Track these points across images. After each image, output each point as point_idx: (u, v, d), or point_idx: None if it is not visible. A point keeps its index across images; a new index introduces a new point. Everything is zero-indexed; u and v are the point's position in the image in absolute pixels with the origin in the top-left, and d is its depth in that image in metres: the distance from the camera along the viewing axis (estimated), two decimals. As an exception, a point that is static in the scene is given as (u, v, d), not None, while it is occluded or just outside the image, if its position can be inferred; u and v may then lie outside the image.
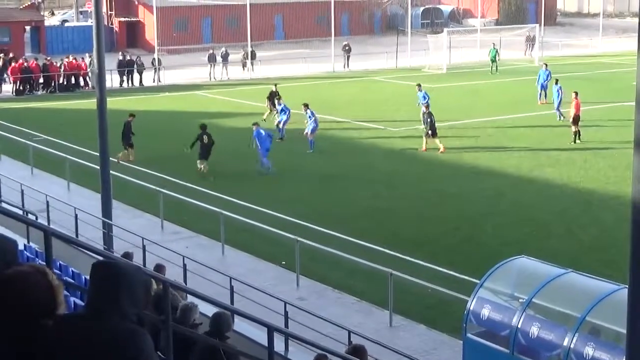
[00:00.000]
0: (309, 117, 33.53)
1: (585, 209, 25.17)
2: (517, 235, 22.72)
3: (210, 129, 31.09)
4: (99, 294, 4.23)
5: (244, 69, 56.89)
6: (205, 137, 29.95)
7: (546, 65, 45.08)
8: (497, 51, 56.51)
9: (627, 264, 9.38)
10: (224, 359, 9.11)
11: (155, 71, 54.10)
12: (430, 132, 32.49)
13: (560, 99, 37.90)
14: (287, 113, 35.10)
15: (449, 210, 25.13)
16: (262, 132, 30.35)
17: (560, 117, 37.73)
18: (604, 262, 20.13)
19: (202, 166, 29.76)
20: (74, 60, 51.79)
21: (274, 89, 39.43)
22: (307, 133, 33.44)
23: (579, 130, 33.47)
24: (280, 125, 35.11)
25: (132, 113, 32.88)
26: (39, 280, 4.21)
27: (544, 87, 43.26)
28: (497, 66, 55.72)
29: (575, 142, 33.25)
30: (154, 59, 54.89)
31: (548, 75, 43.00)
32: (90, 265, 4.34)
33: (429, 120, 32.58)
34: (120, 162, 30.48)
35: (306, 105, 33.98)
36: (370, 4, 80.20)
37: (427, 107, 33.83)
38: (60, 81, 50.82)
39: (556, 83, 38.85)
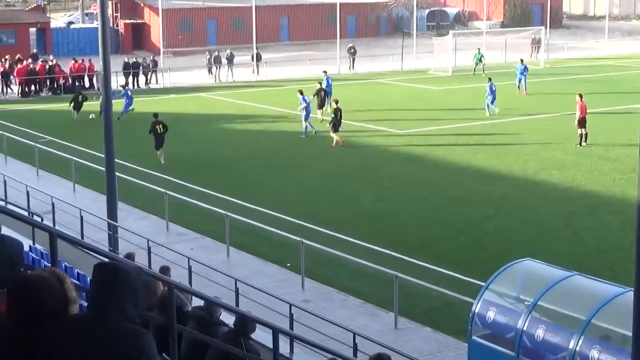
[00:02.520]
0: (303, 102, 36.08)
1: (590, 211, 25.13)
2: (522, 238, 22.69)
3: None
4: (101, 295, 4.23)
5: (209, 74, 56.63)
6: (159, 127, 31.36)
7: (522, 60, 49.16)
8: (482, 55, 56.70)
9: (632, 267, 9.36)
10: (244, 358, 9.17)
11: (151, 73, 53.91)
12: (333, 126, 33.95)
13: (494, 97, 40.70)
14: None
15: (454, 212, 25.09)
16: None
17: (488, 112, 40.54)
18: (610, 265, 20.09)
19: (161, 157, 31.23)
20: (81, 61, 51.89)
21: (320, 86, 40.61)
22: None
23: (586, 133, 33.41)
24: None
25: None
26: (54, 288, 4.20)
27: (520, 80, 47.61)
28: (484, 68, 55.42)
29: (581, 144, 33.18)
30: (151, 60, 54.82)
31: (524, 69, 47.49)
32: (93, 267, 4.35)
33: (337, 114, 34.16)
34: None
35: (301, 92, 36.59)
36: (376, 6, 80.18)
37: (337, 102, 35.14)
38: (66, 83, 50.91)
39: (489, 80, 41.55)
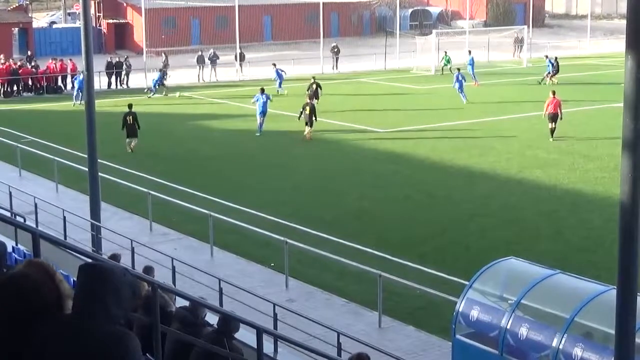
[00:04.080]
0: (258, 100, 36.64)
1: (573, 210, 25.23)
2: (505, 237, 22.75)
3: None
4: (86, 296, 4.21)
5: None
6: (129, 118, 33.10)
7: (470, 52, 53.16)
8: (449, 58, 55.94)
9: (615, 265, 9.41)
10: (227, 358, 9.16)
11: (124, 74, 53.39)
12: (308, 120, 35.09)
13: (460, 85, 44.49)
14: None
15: (438, 212, 25.15)
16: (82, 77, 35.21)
17: (464, 99, 43.95)
18: (593, 263, 20.18)
19: (132, 145, 33.05)
20: (60, 62, 51.55)
21: (314, 80, 42.75)
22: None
23: (553, 128, 34.37)
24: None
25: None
26: (44, 283, 4.17)
27: (471, 72, 50.74)
28: (451, 69, 55.06)
29: (552, 137, 34.32)
30: (121, 59, 54.25)
31: (471, 61, 51.86)
32: (78, 268, 4.33)
33: (304, 108, 35.21)
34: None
35: (262, 90, 37.22)
36: (359, 6, 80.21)
37: (311, 98, 37.08)
38: (50, 83, 50.61)
39: (458, 70, 45.42)
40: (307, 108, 35.11)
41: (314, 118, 35.03)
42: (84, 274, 4.28)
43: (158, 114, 41.73)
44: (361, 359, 10.45)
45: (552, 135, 34.26)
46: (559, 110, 34.44)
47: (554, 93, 35.60)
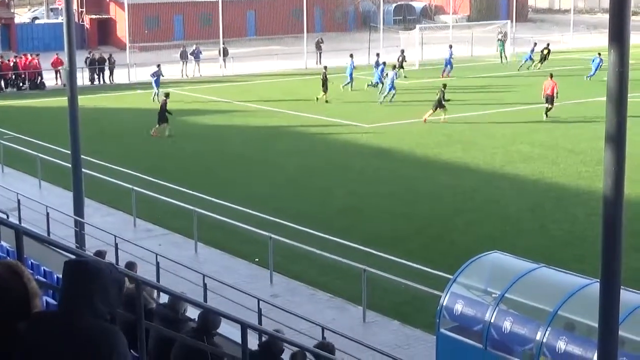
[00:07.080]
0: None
1: (557, 204, 25.31)
2: (490, 231, 22.81)
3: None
4: (72, 292, 4.19)
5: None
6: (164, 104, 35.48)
7: (451, 46, 53.91)
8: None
9: (598, 259, 9.45)
10: (207, 356, 9.12)
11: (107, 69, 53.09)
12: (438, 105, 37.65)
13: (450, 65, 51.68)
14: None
15: (422, 207, 25.18)
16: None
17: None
18: (576, 257, 20.26)
19: (159, 130, 34.95)
20: (30, 57, 51.04)
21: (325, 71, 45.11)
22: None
23: (550, 108, 37.39)
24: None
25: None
26: (12, 282, 4.14)
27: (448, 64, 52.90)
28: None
29: (547, 115, 37.36)
30: (104, 55, 53.96)
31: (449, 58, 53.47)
32: (63, 264, 4.30)
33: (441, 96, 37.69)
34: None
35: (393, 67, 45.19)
36: (343, 1, 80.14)
37: (445, 86, 38.63)
38: (34, 79, 50.31)
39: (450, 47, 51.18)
40: (438, 94, 37.66)
41: (442, 102, 37.15)
42: (70, 270, 4.26)
43: (140, 110, 41.59)
44: (325, 347, 10.50)
45: (545, 114, 37.28)
46: (554, 92, 37.57)
47: (551, 76, 38.71)
